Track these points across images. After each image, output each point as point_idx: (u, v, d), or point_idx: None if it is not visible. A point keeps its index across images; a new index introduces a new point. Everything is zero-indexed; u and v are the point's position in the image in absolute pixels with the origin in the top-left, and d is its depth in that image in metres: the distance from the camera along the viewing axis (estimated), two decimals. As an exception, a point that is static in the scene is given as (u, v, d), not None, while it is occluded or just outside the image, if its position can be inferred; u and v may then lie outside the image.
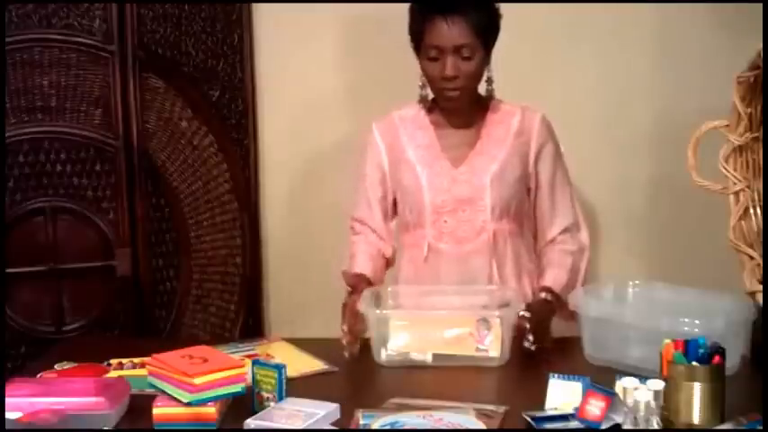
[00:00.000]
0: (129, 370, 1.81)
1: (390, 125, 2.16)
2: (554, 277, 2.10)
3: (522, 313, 1.88)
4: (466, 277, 2.07)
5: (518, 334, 1.89)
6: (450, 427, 1.49)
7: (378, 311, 1.89)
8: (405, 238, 2.18)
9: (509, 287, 2.06)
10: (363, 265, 2.13)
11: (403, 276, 2.17)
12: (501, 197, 2.07)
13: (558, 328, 2.05)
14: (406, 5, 2.08)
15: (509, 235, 2.10)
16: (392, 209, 2.19)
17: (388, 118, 2.17)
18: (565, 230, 2.15)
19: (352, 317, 1.91)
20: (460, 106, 2.08)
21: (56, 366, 1.86)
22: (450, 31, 1.97)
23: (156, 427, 1.56)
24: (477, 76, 2.04)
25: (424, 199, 2.08)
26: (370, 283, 2.07)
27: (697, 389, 1.51)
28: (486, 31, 2.02)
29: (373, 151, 2.16)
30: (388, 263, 2.20)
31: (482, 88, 2.09)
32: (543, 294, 2.05)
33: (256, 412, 1.59)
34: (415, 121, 2.14)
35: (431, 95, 2.11)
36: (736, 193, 1.68)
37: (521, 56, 2.78)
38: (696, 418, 1.51)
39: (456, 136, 2.11)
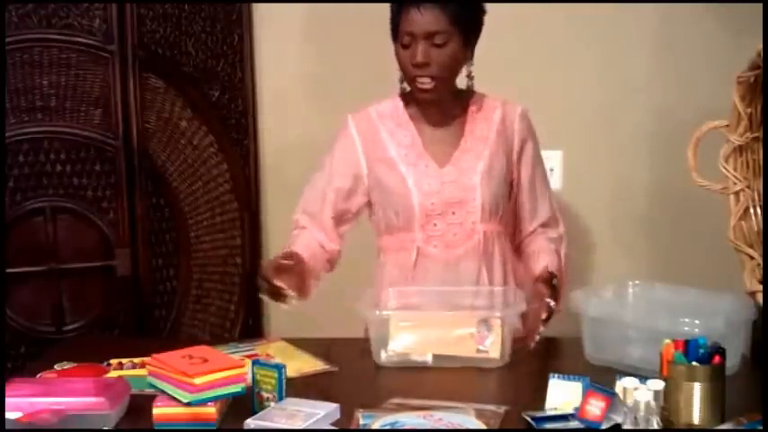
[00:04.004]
0: (129, 370, 1.81)
1: (368, 120, 2.09)
2: (550, 262, 2.06)
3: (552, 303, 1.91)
4: (454, 281, 2.03)
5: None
6: (450, 427, 1.49)
7: (378, 312, 1.88)
8: (387, 240, 2.11)
9: (511, 288, 2.05)
10: (301, 248, 2.03)
11: (388, 281, 2.08)
12: (491, 196, 2.03)
13: (558, 328, 2.05)
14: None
15: (497, 236, 2.08)
16: (356, 212, 2.12)
17: (364, 113, 2.10)
18: (544, 224, 2.15)
19: (270, 269, 1.85)
20: (435, 99, 2.02)
21: (56, 366, 1.86)
22: (422, 17, 1.93)
23: (155, 427, 1.56)
24: (450, 66, 1.98)
25: (413, 202, 2.02)
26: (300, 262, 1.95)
27: (697, 389, 1.51)
28: (463, 21, 1.96)
29: (347, 145, 2.08)
30: (330, 264, 2.12)
31: (463, 84, 2.05)
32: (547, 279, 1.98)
33: (256, 412, 1.59)
34: (394, 118, 2.08)
35: (406, 91, 2.06)
36: (736, 193, 1.68)
37: (520, 55, 2.79)
38: (696, 418, 1.51)
39: (438, 133, 2.07)
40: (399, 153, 2.06)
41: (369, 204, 2.13)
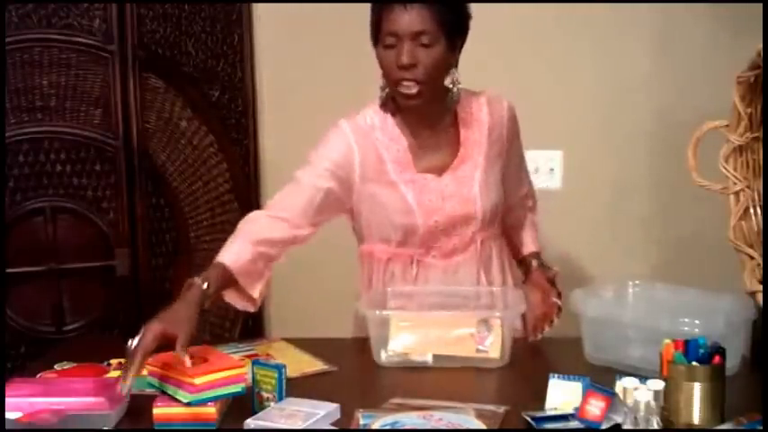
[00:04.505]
0: (129, 370, 1.81)
1: (364, 130, 1.96)
2: (533, 240, 2.17)
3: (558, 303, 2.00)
4: (453, 285, 2.02)
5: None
6: (450, 427, 1.48)
7: (377, 312, 1.88)
8: (378, 248, 2.02)
9: (511, 288, 2.06)
10: (236, 253, 1.86)
11: (383, 285, 2.03)
12: (491, 205, 1.99)
13: (558, 328, 2.06)
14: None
15: (494, 239, 2.07)
16: (328, 219, 1.99)
17: (357, 121, 1.97)
18: (524, 195, 2.19)
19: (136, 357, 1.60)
20: (420, 105, 1.89)
21: (56, 366, 1.86)
22: (408, 16, 1.82)
23: (156, 427, 1.56)
24: (437, 69, 1.86)
25: (416, 221, 1.95)
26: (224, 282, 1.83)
27: (697, 389, 1.51)
28: (450, 22, 1.85)
29: (344, 153, 1.94)
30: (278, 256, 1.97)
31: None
32: (536, 263, 2.13)
33: (256, 412, 1.59)
34: (386, 131, 1.96)
35: (389, 100, 1.95)
36: (736, 193, 1.68)
37: (520, 55, 2.79)
38: (696, 418, 1.51)
39: (430, 144, 1.97)
40: (395, 170, 1.95)
41: (348, 212, 2.04)
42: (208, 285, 1.76)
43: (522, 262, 2.17)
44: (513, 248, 2.19)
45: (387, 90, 1.94)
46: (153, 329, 1.63)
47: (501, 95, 2.05)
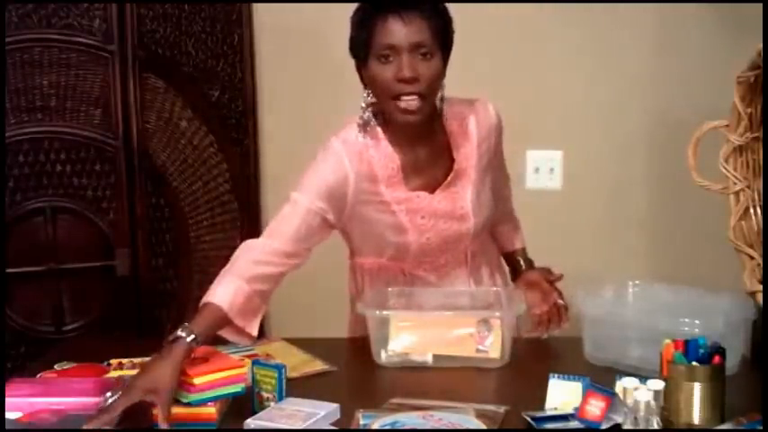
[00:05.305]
0: (129, 370, 1.81)
1: (357, 148, 1.87)
2: (518, 235, 2.18)
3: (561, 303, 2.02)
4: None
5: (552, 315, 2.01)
6: (450, 427, 1.49)
7: (378, 312, 1.88)
8: (370, 263, 2.01)
9: (511, 288, 2.07)
10: (232, 294, 1.74)
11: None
12: (482, 219, 1.97)
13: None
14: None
15: (484, 249, 2.07)
16: (320, 240, 1.92)
17: (348, 138, 1.88)
18: (506, 190, 2.18)
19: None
20: (419, 121, 1.82)
21: (56, 366, 1.85)
22: (405, 27, 1.75)
23: (156, 427, 1.56)
24: (438, 82, 1.81)
25: (409, 239, 1.91)
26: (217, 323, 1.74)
27: (697, 389, 1.51)
28: (443, 34, 1.80)
29: (336, 174, 1.86)
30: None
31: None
32: (525, 260, 2.15)
33: (256, 412, 1.59)
34: (379, 148, 1.88)
35: (372, 120, 1.87)
36: (736, 193, 1.68)
37: (520, 55, 2.79)
38: (696, 418, 1.51)
39: (421, 159, 1.91)
40: (388, 189, 1.89)
41: (339, 230, 1.99)
42: (194, 337, 1.62)
43: (508, 258, 2.17)
44: (498, 244, 2.18)
45: (369, 111, 1.87)
46: (133, 397, 1.54)
47: (487, 102, 1.98)
